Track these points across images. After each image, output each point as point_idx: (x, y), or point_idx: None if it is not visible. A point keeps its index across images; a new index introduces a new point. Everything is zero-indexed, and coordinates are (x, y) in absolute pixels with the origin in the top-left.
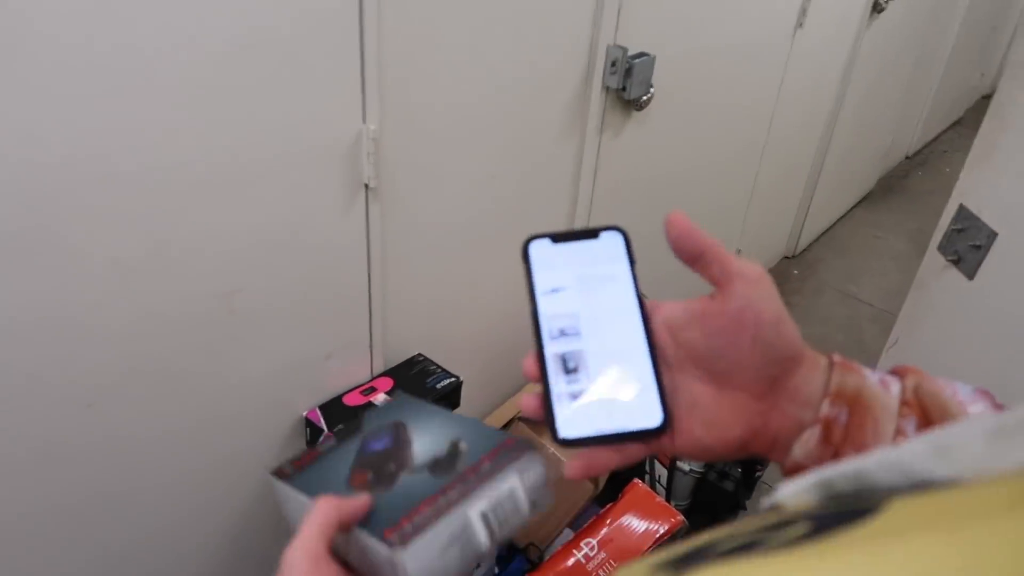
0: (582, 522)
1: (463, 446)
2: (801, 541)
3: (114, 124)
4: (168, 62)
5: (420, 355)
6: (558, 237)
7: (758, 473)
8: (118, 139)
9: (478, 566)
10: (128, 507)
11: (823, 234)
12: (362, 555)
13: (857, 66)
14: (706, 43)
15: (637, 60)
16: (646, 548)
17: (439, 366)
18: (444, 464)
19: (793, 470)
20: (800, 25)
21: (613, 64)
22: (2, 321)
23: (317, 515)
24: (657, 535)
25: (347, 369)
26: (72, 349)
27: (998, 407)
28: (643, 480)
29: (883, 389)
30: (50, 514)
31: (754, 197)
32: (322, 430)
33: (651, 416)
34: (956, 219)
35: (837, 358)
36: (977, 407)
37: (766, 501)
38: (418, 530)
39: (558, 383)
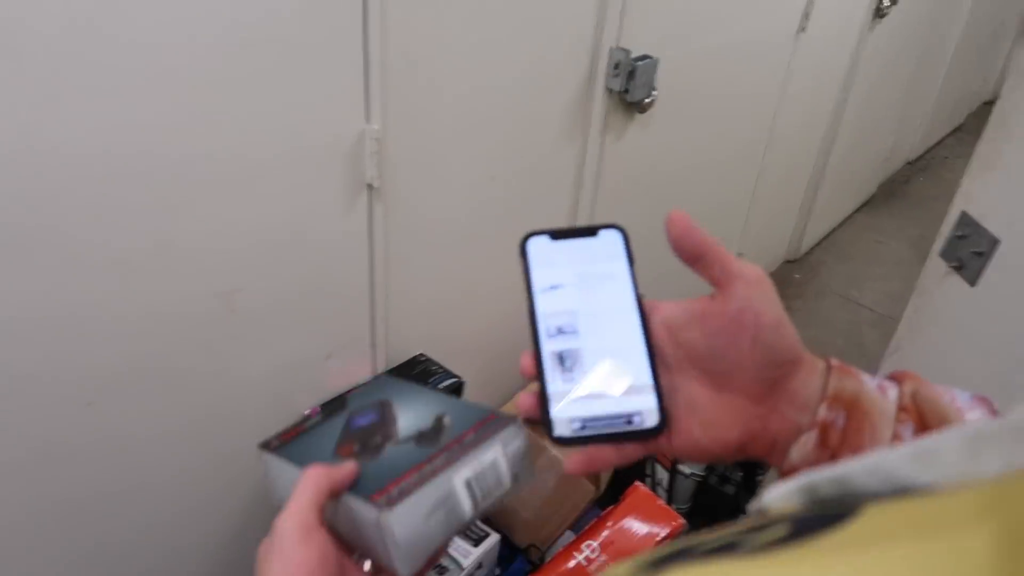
0: (583, 524)
1: (447, 420)
2: (774, 545)
3: (116, 122)
4: (170, 59)
5: (422, 355)
6: (557, 234)
7: (759, 477)
8: (120, 137)
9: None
10: (127, 505)
11: (824, 238)
12: (350, 522)
13: (859, 71)
14: (709, 46)
15: (640, 63)
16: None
17: (441, 366)
18: (429, 437)
19: (790, 473)
20: (802, 29)
21: (616, 66)
22: (2, 319)
23: (308, 483)
24: (658, 538)
25: (348, 369)
26: (72, 347)
27: (995, 414)
28: (644, 483)
29: (880, 394)
30: (50, 512)
31: (756, 200)
32: None
33: (649, 416)
34: (958, 225)
35: (835, 362)
36: (975, 414)
37: (753, 505)
38: (404, 494)
39: (555, 381)
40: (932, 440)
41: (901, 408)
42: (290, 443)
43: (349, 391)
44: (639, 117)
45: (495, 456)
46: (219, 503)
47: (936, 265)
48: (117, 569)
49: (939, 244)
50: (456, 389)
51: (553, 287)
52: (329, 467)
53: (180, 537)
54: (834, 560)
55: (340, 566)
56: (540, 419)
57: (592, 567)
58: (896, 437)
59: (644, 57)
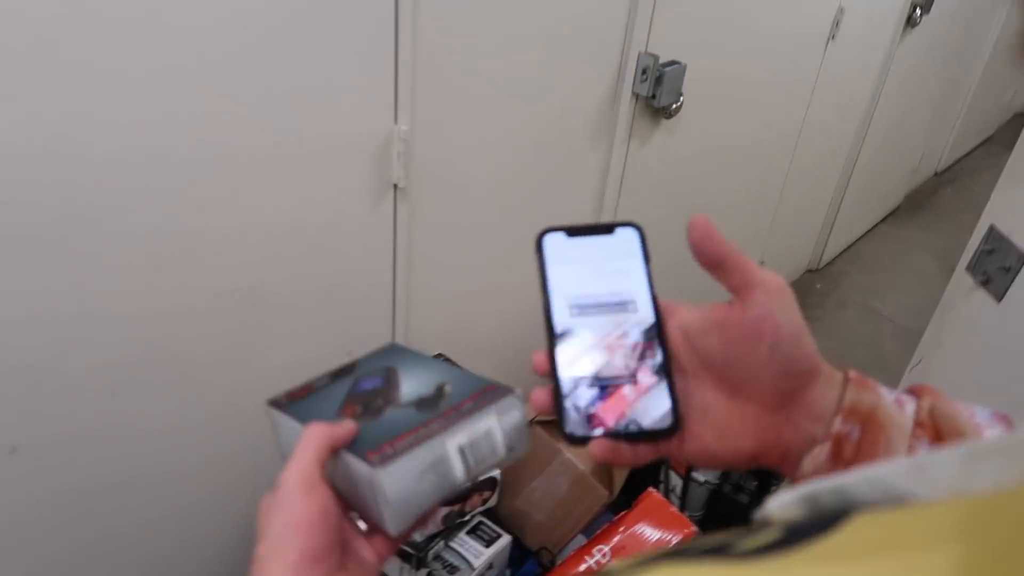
0: (595, 528)
1: (448, 389)
2: (760, 552)
3: (147, 118)
4: (202, 57)
5: (441, 355)
6: (573, 231)
7: (774, 487)
8: (150, 133)
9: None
10: (148, 491)
11: (848, 248)
12: (347, 479)
13: (888, 80)
14: (738, 53)
15: (668, 68)
16: None
17: (460, 367)
18: (429, 403)
19: None
20: (833, 37)
21: (644, 71)
22: (34, 310)
23: (310, 439)
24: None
25: None
26: (99, 338)
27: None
28: (658, 489)
29: (898, 408)
30: (72, 498)
31: (780, 208)
32: None
33: (662, 417)
34: (986, 240)
35: (853, 374)
36: (994, 431)
37: (756, 514)
38: (398, 454)
39: (569, 379)
40: (932, 455)
41: (918, 423)
42: (297, 402)
43: (359, 357)
44: (665, 123)
45: (490, 425)
46: (237, 489)
47: (962, 279)
48: (136, 551)
49: (966, 258)
50: None
51: (568, 284)
52: (330, 424)
53: (197, 521)
54: (805, 571)
55: (339, 522)
56: (553, 414)
57: None
58: (911, 452)
59: (672, 63)
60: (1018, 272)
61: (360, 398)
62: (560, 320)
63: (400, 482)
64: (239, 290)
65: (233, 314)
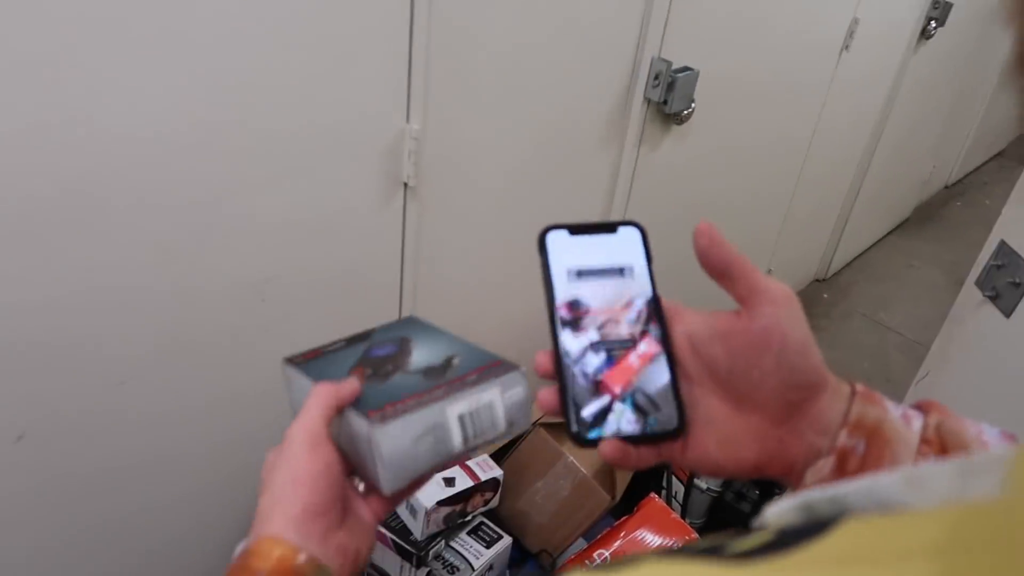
0: (596, 533)
1: (456, 361)
2: (749, 555)
3: (165, 109)
4: (222, 52)
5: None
6: (575, 229)
7: (776, 496)
8: (169, 125)
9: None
10: (151, 481)
11: (856, 259)
12: (349, 437)
13: (901, 91)
14: (751, 61)
15: (680, 74)
16: None
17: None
18: (436, 372)
19: None
20: (846, 48)
21: (656, 77)
22: (44, 297)
23: (317, 397)
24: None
25: None
26: (109, 326)
27: None
28: (660, 495)
29: (904, 424)
30: (77, 485)
31: (789, 217)
32: None
33: (667, 419)
34: (996, 255)
35: (860, 388)
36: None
37: (754, 521)
38: (397, 414)
39: (574, 379)
40: (928, 467)
41: (924, 440)
42: (311, 361)
43: (377, 326)
44: (676, 129)
45: (492, 398)
46: (242, 479)
47: (971, 293)
48: (137, 543)
49: (975, 272)
50: None
51: (572, 283)
52: (336, 383)
53: (203, 508)
54: (788, 574)
55: (342, 479)
56: (559, 414)
57: None
58: None
59: (685, 69)
60: None
61: (371, 362)
62: (564, 320)
63: (397, 442)
64: (249, 282)
65: (243, 305)
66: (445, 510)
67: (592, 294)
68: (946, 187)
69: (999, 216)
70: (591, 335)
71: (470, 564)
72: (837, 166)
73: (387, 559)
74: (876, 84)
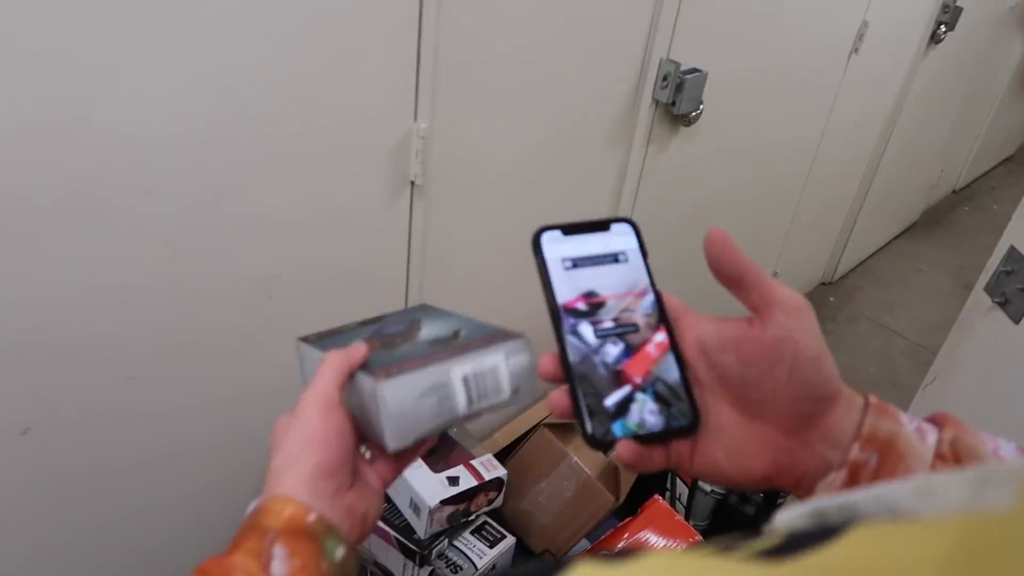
0: (599, 534)
1: (463, 333)
2: (757, 556)
3: (172, 106)
4: (230, 49)
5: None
6: (569, 228)
7: (780, 500)
8: (178, 122)
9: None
10: (153, 478)
11: (862, 263)
12: (357, 399)
13: (910, 95)
14: (759, 63)
15: (689, 76)
16: None
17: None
18: (442, 342)
19: None
20: (855, 51)
21: (665, 78)
22: (53, 293)
23: (329, 363)
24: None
25: None
26: (116, 323)
27: None
28: (664, 497)
29: (919, 438)
30: (81, 480)
31: (796, 220)
32: None
33: (681, 414)
34: (1005, 261)
35: (873, 400)
36: None
37: (765, 527)
38: (402, 371)
39: (584, 380)
40: (941, 476)
41: (938, 455)
42: (324, 339)
43: (389, 312)
44: (684, 130)
45: (496, 362)
46: (247, 475)
47: (980, 299)
48: (141, 538)
49: (984, 278)
50: None
51: (571, 283)
52: (346, 350)
53: (208, 506)
54: None
55: (353, 443)
56: (572, 418)
57: None
58: None
59: (693, 70)
60: None
61: (382, 338)
62: (568, 321)
63: (401, 397)
64: (256, 279)
65: (249, 303)
66: (449, 509)
67: (593, 295)
68: (954, 191)
69: (1008, 222)
70: (598, 337)
71: (473, 563)
72: (845, 169)
73: (390, 557)
74: (885, 87)
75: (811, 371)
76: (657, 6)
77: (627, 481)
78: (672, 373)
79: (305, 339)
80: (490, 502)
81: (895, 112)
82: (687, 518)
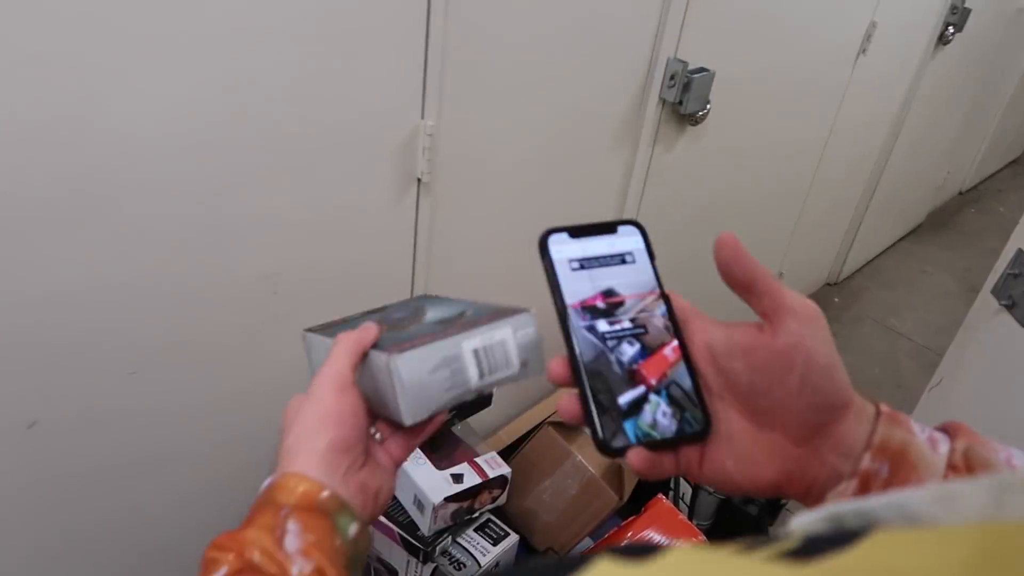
0: (603, 532)
1: (469, 313)
2: (776, 558)
3: (178, 103)
4: (237, 45)
5: None
6: (576, 231)
7: (783, 501)
8: (184, 119)
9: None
10: (162, 471)
11: (868, 264)
12: (371, 378)
13: (917, 97)
14: (767, 63)
15: (696, 75)
16: None
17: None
18: (450, 321)
19: None
20: (863, 52)
21: (672, 77)
22: (58, 288)
23: (342, 344)
24: None
25: None
26: (121, 318)
27: None
28: (667, 496)
29: (930, 448)
30: (85, 475)
31: (801, 220)
32: None
33: (693, 419)
34: (1013, 264)
35: (885, 408)
36: None
37: (780, 531)
38: (414, 346)
39: (596, 386)
40: (961, 484)
41: (950, 465)
42: (330, 329)
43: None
44: (690, 129)
45: (505, 336)
46: (250, 472)
47: (987, 302)
48: (151, 530)
49: (991, 281)
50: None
51: (580, 284)
52: (357, 330)
53: (210, 502)
54: None
55: (366, 422)
56: (583, 424)
57: None
58: None
59: (701, 70)
60: None
61: (389, 323)
62: (577, 325)
63: (414, 370)
64: (260, 276)
65: (253, 299)
66: (453, 506)
67: (601, 299)
68: (960, 193)
69: (1015, 224)
70: (608, 341)
71: (477, 561)
72: (851, 170)
73: (394, 554)
74: (892, 88)
75: (823, 380)
76: (665, 5)
77: (631, 480)
78: (684, 378)
79: (311, 330)
80: (494, 500)
81: (902, 113)
82: (690, 517)
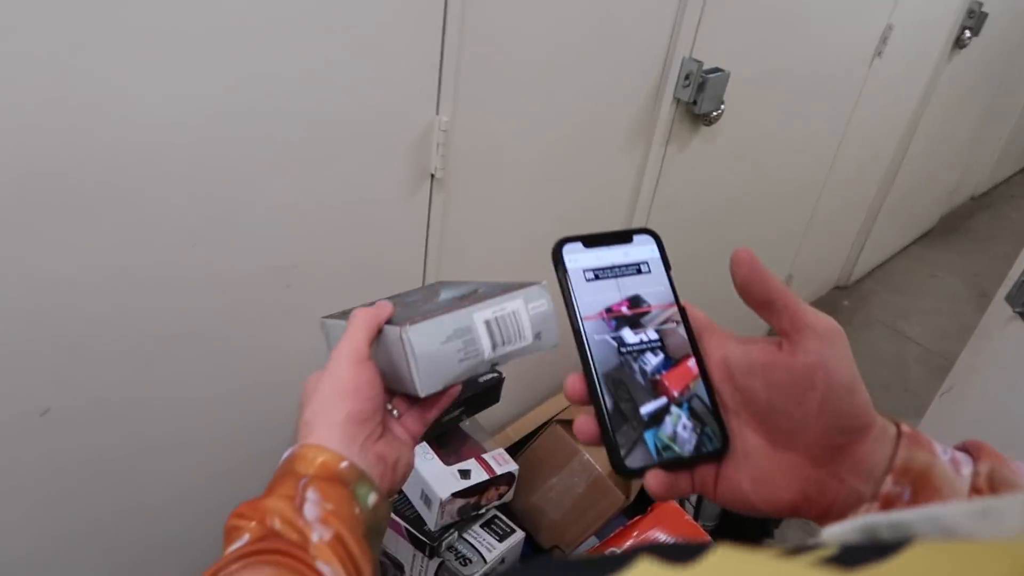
0: (609, 531)
1: (482, 290)
2: (816, 564)
3: (194, 94)
4: (256, 40)
5: None
6: (590, 241)
7: None
8: (201, 109)
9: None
10: (172, 460)
11: (878, 267)
12: (386, 354)
13: (932, 100)
14: (782, 64)
15: (711, 75)
16: None
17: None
18: (462, 297)
19: None
20: (879, 54)
21: (687, 77)
22: (75, 276)
23: (359, 318)
24: None
25: None
26: (136, 307)
27: None
28: None
29: (954, 470)
30: (98, 463)
31: (812, 222)
32: None
33: (711, 436)
34: None
35: (906, 428)
36: None
37: (809, 540)
38: (426, 318)
39: (615, 406)
40: (1000, 499)
41: (974, 488)
42: (346, 314)
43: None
44: (704, 130)
45: (517, 307)
46: (260, 463)
47: (1001, 308)
48: (154, 524)
49: (1006, 287)
50: (496, 385)
51: (596, 298)
52: (372, 307)
53: (220, 491)
54: None
55: (383, 394)
56: (600, 443)
57: None
58: None
59: (716, 70)
60: None
61: (403, 304)
62: (594, 340)
63: (426, 341)
64: (274, 268)
65: (267, 291)
66: (460, 502)
67: (617, 311)
68: (972, 198)
69: None
70: (625, 357)
71: (482, 557)
72: (863, 173)
73: (400, 548)
74: (907, 92)
75: (844, 401)
76: (681, 5)
77: (637, 480)
78: (703, 393)
79: (328, 316)
80: (500, 496)
81: (916, 117)
82: (696, 518)
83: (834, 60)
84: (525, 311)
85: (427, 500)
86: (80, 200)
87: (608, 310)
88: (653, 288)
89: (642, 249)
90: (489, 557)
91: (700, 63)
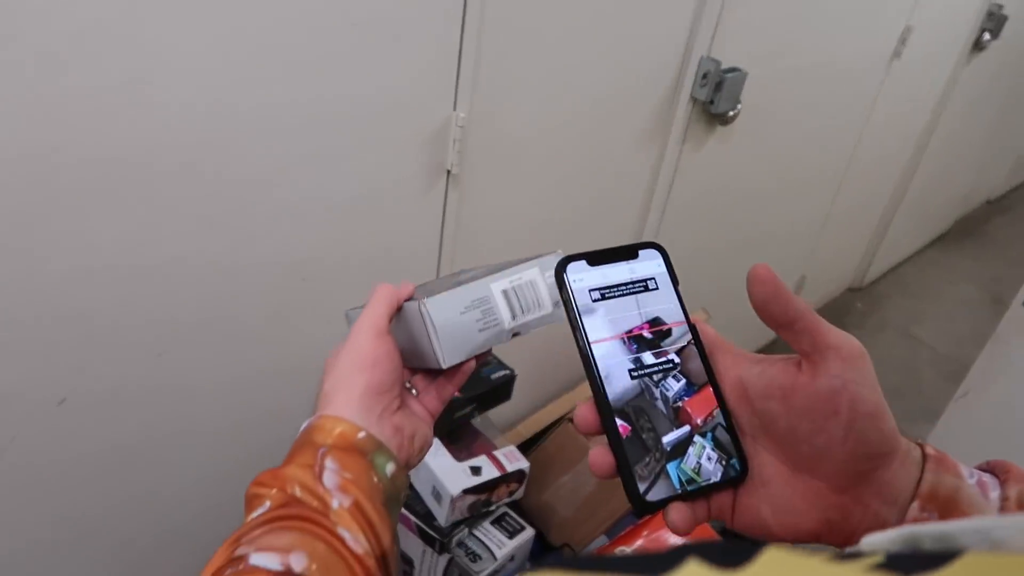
0: (619, 530)
1: (499, 266)
2: (877, 570)
3: (217, 88)
4: (276, 34)
5: None
6: (594, 258)
7: None
8: (220, 102)
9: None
10: (188, 449)
11: (892, 270)
12: (407, 332)
13: (950, 103)
14: (800, 64)
15: (729, 75)
16: None
17: (495, 357)
18: (482, 274)
19: None
20: (897, 55)
21: (704, 76)
22: (89, 266)
23: (380, 293)
24: None
25: None
26: (151, 298)
27: None
28: None
29: (981, 494)
30: (114, 452)
31: (827, 224)
32: None
33: (728, 465)
34: None
35: (931, 451)
36: None
37: (848, 548)
38: (444, 290)
39: (630, 438)
40: None
41: (1003, 512)
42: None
43: None
44: (720, 129)
45: (534, 276)
46: (272, 453)
47: (1017, 314)
48: (168, 513)
49: (1023, 293)
50: (507, 382)
51: (604, 320)
52: (394, 286)
53: (233, 482)
54: None
55: (401, 369)
56: (616, 476)
57: None
58: None
59: (733, 69)
60: None
61: (425, 290)
62: (605, 365)
63: (445, 312)
64: (290, 261)
65: (283, 284)
66: (470, 498)
67: (627, 333)
68: (988, 202)
69: None
70: (638, 382)
71: (492, 554)
72: (879, 175)
73: (410, 544)
74: (924, 94)
75: (869, 426)
76: (700, 4)
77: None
78: (721, 417)
79: (352, 308)
80: (511, 493)
81: (933, 119)
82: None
83: (852, 61)
84: (542, 280)
85: (438, 496)
86: (96, 193)
87: (617, 332)
88: (662, 306)
89: (648, 264)
90: (499, 554)
91: (718, 62)
